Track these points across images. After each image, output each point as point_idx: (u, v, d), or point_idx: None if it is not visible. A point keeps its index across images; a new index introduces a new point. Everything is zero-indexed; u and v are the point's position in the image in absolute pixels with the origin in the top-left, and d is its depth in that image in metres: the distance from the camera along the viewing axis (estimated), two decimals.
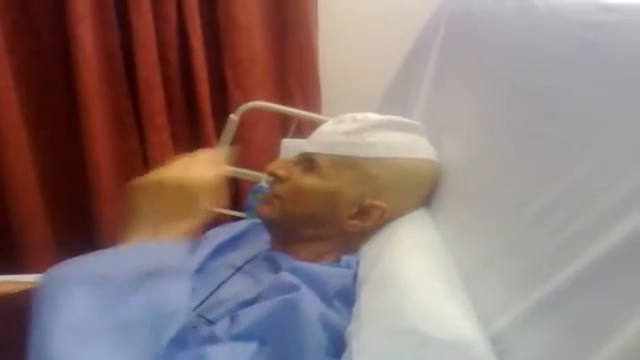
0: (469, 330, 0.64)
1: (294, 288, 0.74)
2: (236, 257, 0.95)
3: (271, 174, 0.95)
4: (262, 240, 1.00)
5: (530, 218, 0.71)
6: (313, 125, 1.73)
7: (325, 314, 0.73)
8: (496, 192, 0.82)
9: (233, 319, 0.73)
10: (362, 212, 0.91)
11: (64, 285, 0.61)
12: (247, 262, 0.92)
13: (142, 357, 0.58)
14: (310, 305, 0.72)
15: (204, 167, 0.78)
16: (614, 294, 0.54)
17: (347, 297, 0.78)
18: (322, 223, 0.92)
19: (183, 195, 0.73)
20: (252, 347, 0.68)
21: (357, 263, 0.86)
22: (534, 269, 0.66)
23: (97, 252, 0.69)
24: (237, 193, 1.88)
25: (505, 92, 0.92)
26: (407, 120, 0.98)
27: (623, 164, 0.60)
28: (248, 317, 0.72)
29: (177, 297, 0.64)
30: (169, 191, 0.73)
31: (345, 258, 0.88)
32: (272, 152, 1.58)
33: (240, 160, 1.79)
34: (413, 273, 0.76)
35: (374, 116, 0.94)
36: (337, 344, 0.71)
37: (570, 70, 0.76)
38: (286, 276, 0.78)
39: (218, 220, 1.55)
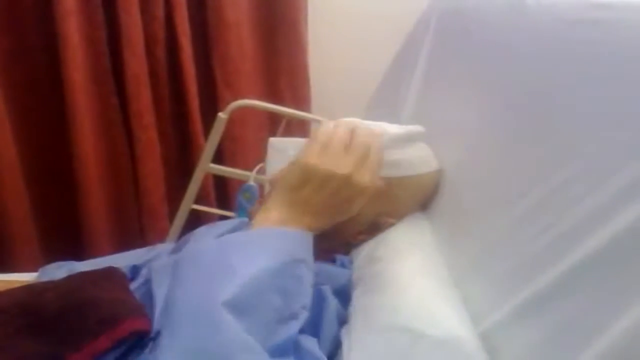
0: (461, 328, 0.65)
1: (319, 283, 0.77)
2: None
3: None
4: None
5: (520, 216, 0.71)
6: (302, 124, 1.73)
7: (335, 301, 0.75)
8: (486, 192, 0.82)
9: None
10: (373, 227, 0.90)
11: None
12: None
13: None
14: (331, 296, 0.75)
15: (370, 171, 0.77)
16: (602, 292, 0.55)
17: (344, 297, 0.78)
18: (330, 237, 0.88)
19: (346, 194, 0.76)
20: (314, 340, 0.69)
21: (350, 263, 0.86)
22: (524, 267, 0.66)
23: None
24: (225, 192, 1.88)
25: (494, 91, 0.91)
26: (416, 128, 0.95)
27: (613, 162, 0.60)
28: None
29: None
30: (333, 186, 0.75)
31: (339, 258, 0.87)
32: (261, 150, 1.57)
33: (229, 159, 1.79)
34: (405, 272, 0.77)
35: (392, 129, 0.90)
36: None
37: (561, 68, 0.76)
38: None
39: (206, 220, 1.55)
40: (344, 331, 0.71)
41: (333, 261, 0.88)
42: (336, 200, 0.76)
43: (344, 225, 0.88)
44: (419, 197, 0.95)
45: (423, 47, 1.23)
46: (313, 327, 0.70)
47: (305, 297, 0.67)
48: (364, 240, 0.90)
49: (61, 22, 1.54)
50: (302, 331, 0.67)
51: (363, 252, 0.87)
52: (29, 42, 1.62)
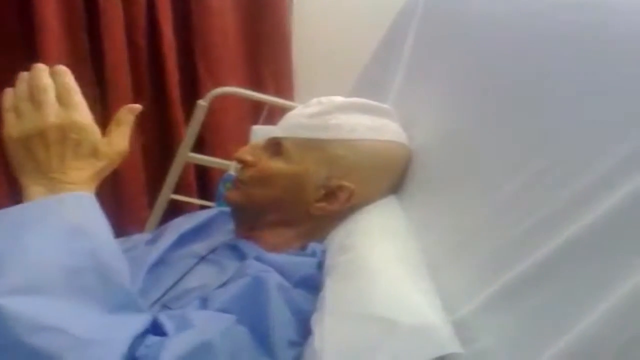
0: (433, 317, 0.64)
1: (264, 270, 0.75)
2: (200, 246, 0.93)
3: (238, 159, 0.95)
4: (227, 229, 0.99)
5: (498, 204, 0.72)
6: (284, 112, 1.72)
7: (286, 287, 0.74)
8: (466, 179, 0.83)
9: (204, 301, 0.73)
10: (330, 194, 0.90)
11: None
12: (211, 251, 0.90)
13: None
14: (276, 280, 0.73)
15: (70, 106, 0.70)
16: (579, 280, 0.55)
17: (310, 285, 0.77)
18: (289, 207, 0.91)
19: (70, 139, 0.68)
20: (230, 317, 0.67)
21: (324, 252, 0.86)
22: (500, 255, 0.67)
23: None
24: (206, 182, 1.86)
25: (478, 76, 0.91)
26: (375, 103, 0.97)
27: (592, 148, 0.61)
28: (220, 296, 0.72)
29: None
30: (53, 138, 0.67)
31: (311, 245, 0.87)
32: (243, 140, 1.56)
33: (210, 148, 1.77)
34: (379, 261, 0.76)
35: (338, 99, 0.94)
36: (305, 327, 0.71)
37: (545, 51, 0.76)
38: (254, 262, 0.79)
39: (186, 210, 1.53)
40: (314, 319, 0.71)
41: (303, 249, 0.87)
42: (69, 147, 0.69)
43: (297, 193, 0.89)
44: (378, 169, 0.94)
45: (410, 32, 1.22)
46: (254, 315, 0.69)
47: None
48: (326, 210, 0.90)
49: (39, 8, 1.51)
50: (240, 320, 0.67)
51: (336, 240, 0.87)
52: (6, 28, 1.59)
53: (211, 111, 1.48)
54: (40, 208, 0.65)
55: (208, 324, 0.65)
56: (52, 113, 0.68)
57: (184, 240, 0.96)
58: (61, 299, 0.57)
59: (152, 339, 0.62)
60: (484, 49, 0.93)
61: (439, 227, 0.83)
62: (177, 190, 1.55)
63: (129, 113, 0.78)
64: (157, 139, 1.81)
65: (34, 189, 0.67)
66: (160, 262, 0.89)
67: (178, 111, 1.75)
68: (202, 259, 0.88)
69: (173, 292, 0.82)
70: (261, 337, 0.67)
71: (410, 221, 0.88)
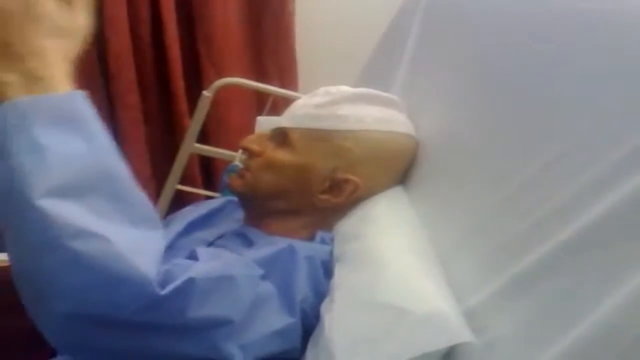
0: (444, 305, 0.64)
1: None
2: (208, 233, 0.94)
3: (244, 148, 0.94)
4: (235, 218, 0.99)
5: (507, 196, 0.71)
6: (288, 103, 1.72)
7: (315, 262, 0.77)
8: (473, 170, 0.82)
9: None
10: (334, 186, 0.89)
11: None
12: (218, 238, 0.91)
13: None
14: (306, 252, 0.77)
15: None
16: (588, 273, 0.55)
17: (328, 271, 0.78)
18: (294, 198, 0.91)
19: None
20: (259, 270, 0.70)
21: (332, 240, 0.86)
22: (510, 246, 0.66)
23: None
24: (211, 172, 1.87)
25: (485, 67, 0.91)
26: (384, 94, 0.96)
27: (600, 141, 0.60)
28: (253, 255, 0.74)
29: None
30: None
31: (319, 234, 0.87)
32: (247, 131, 1.56)
33: (214, 139, 1.78)
34: (388, 250, 0.76)
35: (347, 89, 0.93)
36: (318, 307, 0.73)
37: (554, 41, 0.75)
38: (281, 238, 0.82)
39: (191, 201, 1.54)
40: (324, 306, 0.71)
41: (311, 238, 0.88)
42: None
43: (301, 184, 0.89)
44: (385, 160, 0.93)
45: (414, 22, 1.21)
46: (282, 278, 0.72)
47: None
48: (330, 202, 0.90)
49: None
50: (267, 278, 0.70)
51: (344, 229, 0.87)
52: None
53: (215, 102, 1.48)
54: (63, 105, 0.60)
55: (237, 263, 0.69)
56: None
57: (192, 227, 0.96)
58: (98, 204, 0.58)
59: (183, 260, 0.66)
60: (488, 42, 0.92)
61: (447, 217, 0.82)
62: (182, 180, 1.56)
63: None
64: (162, 130, 1.81)
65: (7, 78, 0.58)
66: (168, 248, 0.88)
67: (182, 102, 1.75)
68: (210, 244, 0.89)
69: None
70: (286, 297, 0.70)
71: (417, 211, 0.88)
